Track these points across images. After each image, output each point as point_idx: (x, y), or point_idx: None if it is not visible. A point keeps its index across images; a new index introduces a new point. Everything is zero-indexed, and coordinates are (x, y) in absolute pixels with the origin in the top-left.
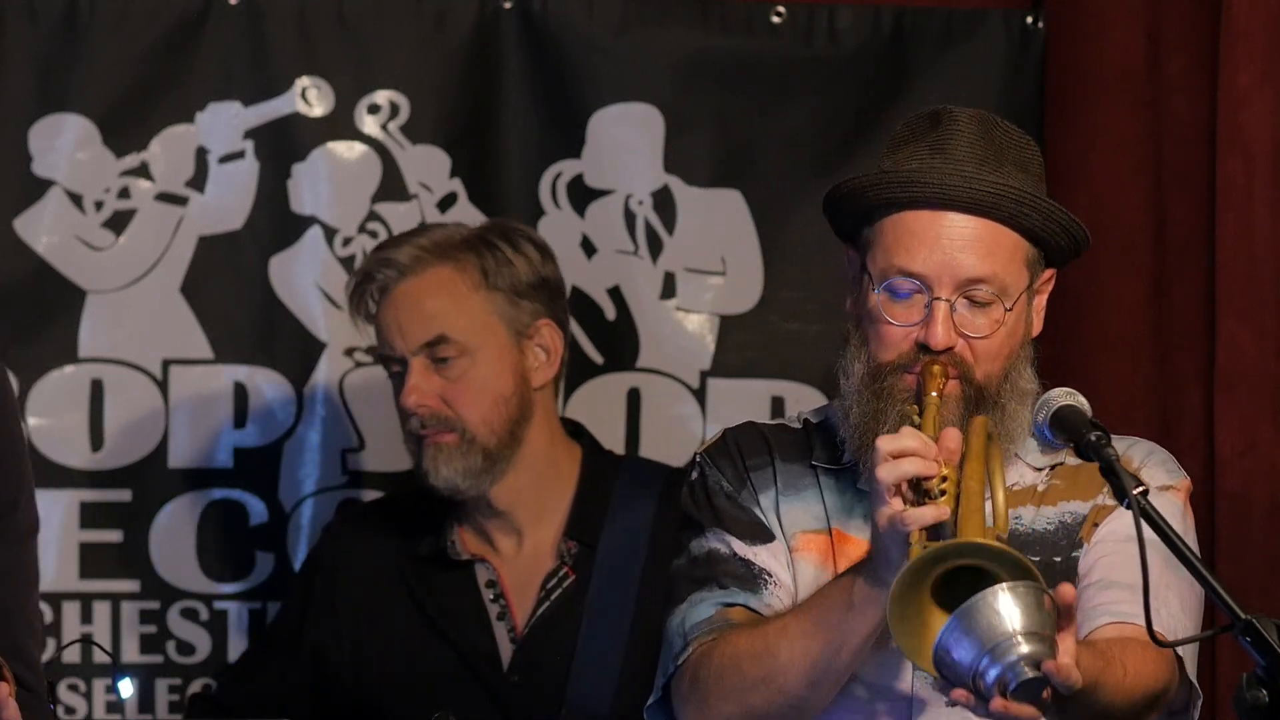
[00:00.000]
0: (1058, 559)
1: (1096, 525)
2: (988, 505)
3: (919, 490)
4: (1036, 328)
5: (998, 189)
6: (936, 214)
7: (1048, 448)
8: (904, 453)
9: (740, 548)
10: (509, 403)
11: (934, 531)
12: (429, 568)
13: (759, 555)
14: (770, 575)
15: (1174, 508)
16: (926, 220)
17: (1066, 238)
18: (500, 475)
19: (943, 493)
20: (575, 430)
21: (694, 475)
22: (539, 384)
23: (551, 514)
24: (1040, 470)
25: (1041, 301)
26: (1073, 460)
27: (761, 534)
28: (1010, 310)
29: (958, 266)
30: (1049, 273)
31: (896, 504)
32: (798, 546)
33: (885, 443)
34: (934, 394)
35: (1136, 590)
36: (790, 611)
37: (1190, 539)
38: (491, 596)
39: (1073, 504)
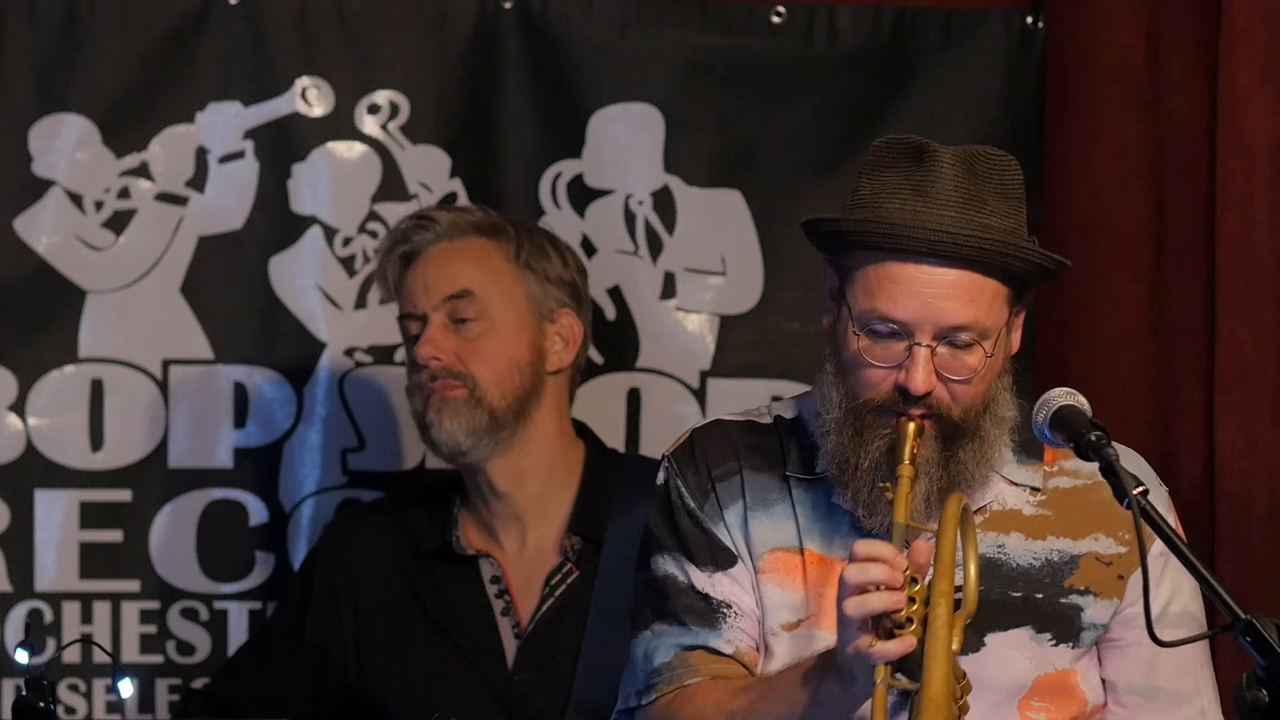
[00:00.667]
0: (1039, 595)
1: (1122, 579)
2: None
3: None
4: (1014, 347)
5: (982, 241)
6: (919, 262)
7: (1025, 459)
8: (871, 585)
9: (699, 579)
10: (523, 372)
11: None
12: (433, 564)
13: (718, 585)
14: (730, 606)
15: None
16: (910, 268)
17: (1045, 275)
18: (503, 446)
19: (909, 620)
20: (580, 430)
21: (660, 479)
22: (554, 368)
23: (556, 510)
24: (1020, 487)
25: (1019, 321)
26: (1065, 481)
27: (723, 558)
28: (991, 356)
29: (940, 314)
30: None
31: (864, 641)
32: (766, 567)
33: (852, 574)
34: (906, 462)
35: (1194, 704)
36: (756, 689)
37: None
38: (496, 592)
39: (1061, 541)
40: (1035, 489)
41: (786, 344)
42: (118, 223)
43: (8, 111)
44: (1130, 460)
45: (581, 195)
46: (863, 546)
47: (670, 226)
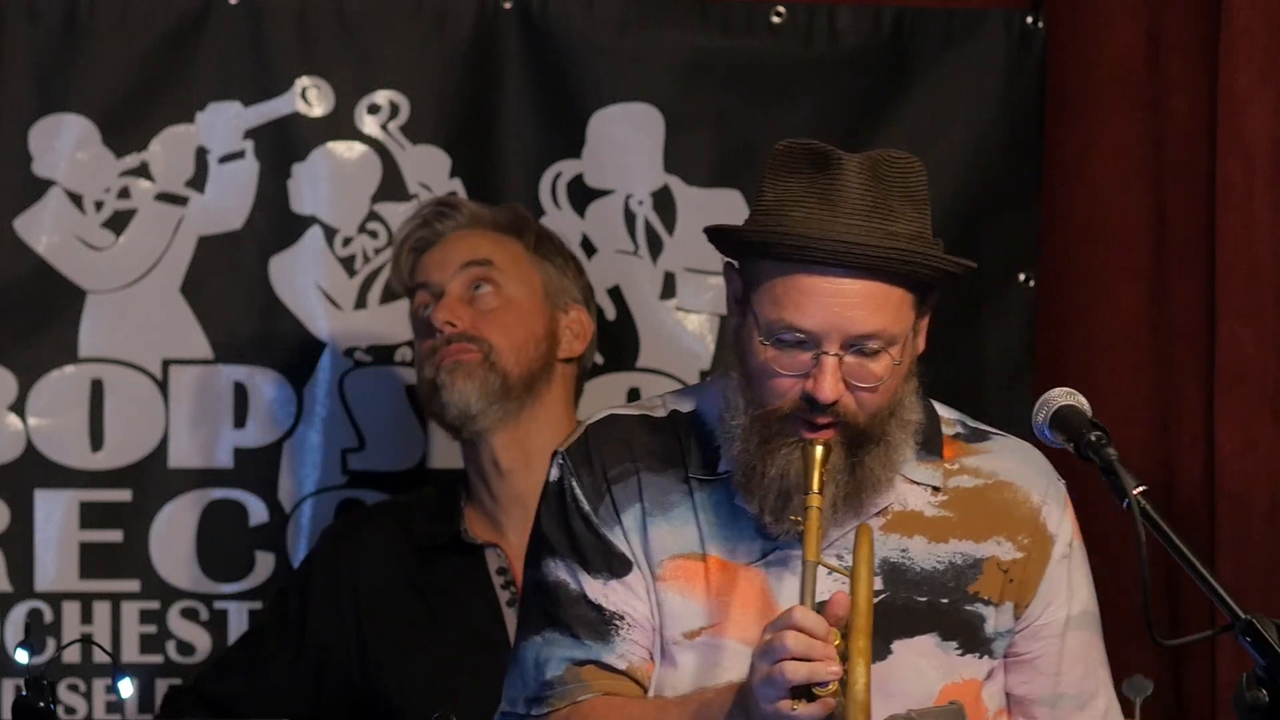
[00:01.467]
0: (944, 600)
1: (1013, 582)
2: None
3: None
4: (920, 348)
5: (888, 252)
6: (826, 274)
7: (926, 456)
8: (804, 656)
9: (592, 588)
10: (538, 345)
11: None
12: (437, 559)
13: (611, 595)
14: (623, 617)
15: (1085, 566)
16: (817, 279)
17: (951, 280)
18: (510, 419)
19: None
20: None
21: (554, 476)
22: (564, 355)
23: None
24: (920, 486)
25: (924, 324)
26: (966, 480)
27: (617, 565)
28: (899, 363)
29: (847, 323)
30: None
31: (785, 704)
32: (665, 575)
33: (794, 644)
34: (815, 491)
35: (1095, 706)
36: (654, 715)
37: (1088, 572)
38: (502, 583)
39: (964, 544)
40: (936, 488)
41: None
42: (118, 223)
43: (8, 111)
44: (1024, 454)
45: (581, 195)
46: (802, 616)
47: (670, 226)
